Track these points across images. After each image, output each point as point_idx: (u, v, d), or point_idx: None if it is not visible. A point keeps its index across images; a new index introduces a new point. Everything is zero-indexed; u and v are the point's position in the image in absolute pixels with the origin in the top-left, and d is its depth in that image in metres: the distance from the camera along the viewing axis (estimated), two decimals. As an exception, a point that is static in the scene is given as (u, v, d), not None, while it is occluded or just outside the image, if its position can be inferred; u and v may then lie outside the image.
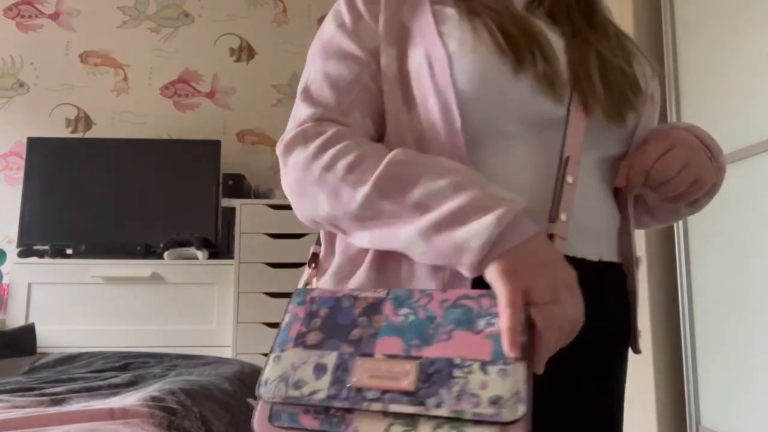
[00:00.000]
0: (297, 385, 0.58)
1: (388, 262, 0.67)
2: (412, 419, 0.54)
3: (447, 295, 0.60)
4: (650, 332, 1.84)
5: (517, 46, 0.65)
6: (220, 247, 2.92)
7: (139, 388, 1.34)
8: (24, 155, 3.05)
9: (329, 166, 0.65)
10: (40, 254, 2.79)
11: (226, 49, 3.39)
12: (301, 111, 0.71)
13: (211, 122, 3.32)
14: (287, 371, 0.60)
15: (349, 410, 0.56)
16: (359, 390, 0.56)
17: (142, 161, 3.02)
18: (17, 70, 3.31)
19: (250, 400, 1.43)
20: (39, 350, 2.34)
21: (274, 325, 2.65)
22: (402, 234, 0.62)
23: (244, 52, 3.40)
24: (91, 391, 1.31)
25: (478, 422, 0.52)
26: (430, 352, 0.56)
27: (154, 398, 1.17)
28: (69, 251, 2.83)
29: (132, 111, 3.31)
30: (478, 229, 0.58)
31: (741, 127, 1.52)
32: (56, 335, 2.63)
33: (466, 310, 0.58)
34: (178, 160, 3.04)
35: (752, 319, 1.48)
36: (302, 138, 0.69)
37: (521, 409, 0.51)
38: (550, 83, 0.66)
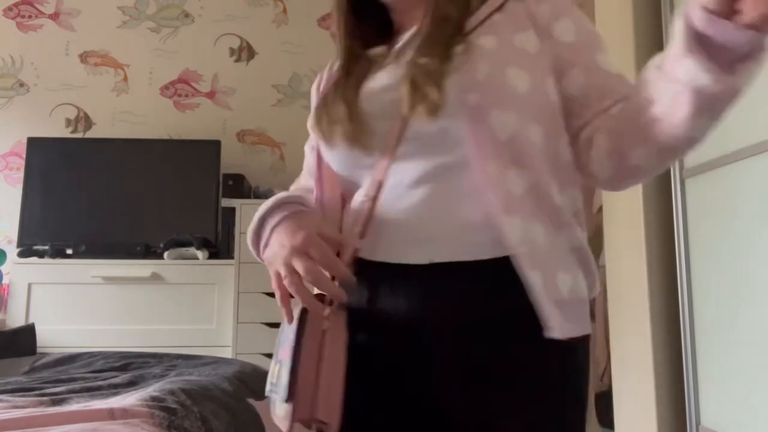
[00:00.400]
0: (270, 383, 0.80)
1: None
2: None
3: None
4: (650, 332, 1.84)
5: (324, 129, 0.85)
6: (220, 247, 2.92)
7: (139, 388, 1.34)
8: (24, 155, 3.05)
9: None
10: (40, 254, 2.79)
11: (226, 49, 3.40)
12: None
13: (211, 122, 3.32)
14: (271, 374, 0.82)
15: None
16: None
17: (142, 161, 3.03)
18: (17, 70, 3.31)
19: (250, 400, 1.43)
20: (39, 350, 2.34)
21: (274, 325, 2.65)
22: None
23: (244, 52, 3.40)
24: (91, 391, 1.31)
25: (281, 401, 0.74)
26: (280, 354, 0.79)
27: (154, 398, 1.17)
28: (69, 251, 2.83)
29: (132, 111, 3.31)
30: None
31: (741, 127, 1.52)
32: (56, 335, 2.63)
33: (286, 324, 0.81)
34: (178, 160, 3.04)
35: (752, 319, 1.48)
36: None
37: (284, 393, 0.73)
38: (359, 145, 0.81)
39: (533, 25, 0.80)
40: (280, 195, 0.84)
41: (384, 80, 0.82)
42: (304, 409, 0.72)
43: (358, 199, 0.83)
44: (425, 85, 0.75)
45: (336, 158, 0.85)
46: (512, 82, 0.76)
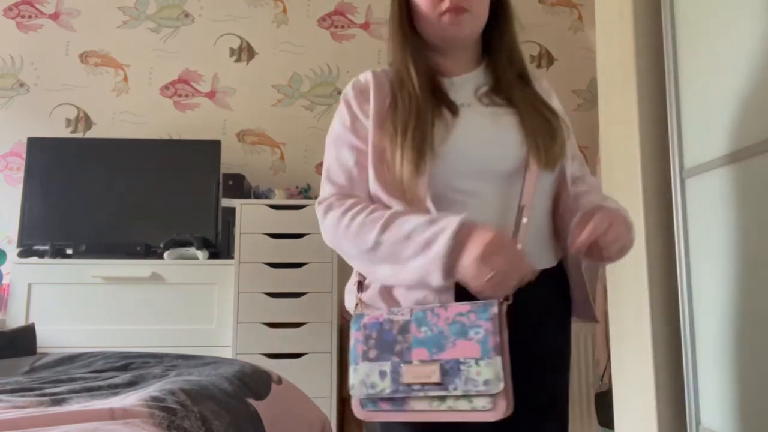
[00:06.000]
0: (372, 386, 0.98)
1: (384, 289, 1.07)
2: (442, 398, 0.94)
3: (448, 313, 0.97)
4: (650, 332, 1.84)
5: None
6: (220, 247, 2.92)
7: (139, 388, 1.34)
8: (24, 155, 3.05)
9: (349, 224, 1.03)
10: (40, 254, 2.79)
11: (226, 49, 3.40)
12: (326, 188, 1.11)
13: (211, 122, 3.32)
14: (364, 378, 0.98)
15: (406, 397, 0.96)
16: (409, 385, 0.95)
17: (142, 161, 3.02)
18: (17, 70, 3.31)
19: (250, 400, 1.43)
20: (39, 350, 2.34)
21: (274, 325, 2.65)
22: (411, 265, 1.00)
23: (244, 52, 3.40)
24: (91, 391, 1.31)
25: (478, 395, 0.92)
26: (445, 355, 0.95)
27: (154, 398, 1.17)
28: (69, 251, 2.83)
29: (132, 111, 3.31)
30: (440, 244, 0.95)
31: (741, 127, 1.52)
32: (56, 335, 2.63)
33: (461, 325, 0.95)
34: (178, 160, 3.04)
35: (752, 319, 1.48)
36: (329, 207, 1.07)
37: (501, 385, 0.91)
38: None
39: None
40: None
41: (490, 128, 1.09)
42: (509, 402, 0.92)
43: (497, 217, 1.08)
44: (552, 138, 1.08)
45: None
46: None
